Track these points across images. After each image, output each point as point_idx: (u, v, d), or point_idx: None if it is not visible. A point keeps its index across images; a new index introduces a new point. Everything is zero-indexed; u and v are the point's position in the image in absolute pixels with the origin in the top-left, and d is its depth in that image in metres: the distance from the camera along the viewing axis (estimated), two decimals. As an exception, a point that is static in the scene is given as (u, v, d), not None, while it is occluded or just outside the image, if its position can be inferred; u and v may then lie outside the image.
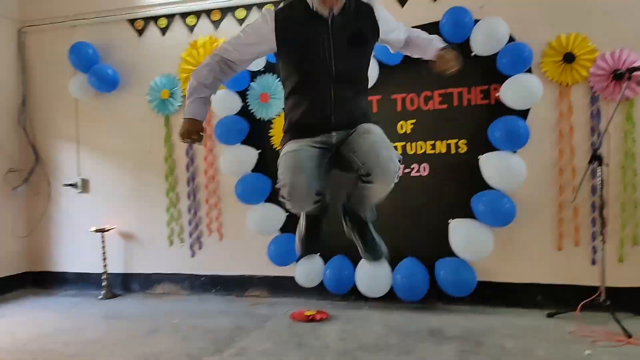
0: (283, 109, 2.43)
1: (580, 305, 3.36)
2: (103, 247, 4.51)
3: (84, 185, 4.76)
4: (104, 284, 4.51)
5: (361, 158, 2.10)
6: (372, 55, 2.38)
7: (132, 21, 4.59)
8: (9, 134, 4.76)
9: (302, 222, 2.47)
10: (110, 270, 4.57)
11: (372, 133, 2.17)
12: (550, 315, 3.50)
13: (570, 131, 3.64)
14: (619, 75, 3.43)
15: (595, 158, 3.31)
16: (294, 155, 2.13)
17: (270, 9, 2.20)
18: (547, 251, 3.71)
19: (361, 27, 2.20)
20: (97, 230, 4.51)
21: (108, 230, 4.56)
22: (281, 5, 2.22)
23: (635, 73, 3.30)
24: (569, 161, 3.65)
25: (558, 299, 3.60)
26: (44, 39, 4.87)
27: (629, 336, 3.00)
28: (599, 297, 3.33)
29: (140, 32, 4.59)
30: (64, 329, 3.69)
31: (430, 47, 2.39)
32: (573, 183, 3.60)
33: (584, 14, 3.60)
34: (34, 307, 4.32)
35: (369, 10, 2.23)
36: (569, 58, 3.61)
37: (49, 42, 4.83)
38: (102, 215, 4.66)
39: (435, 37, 2.45)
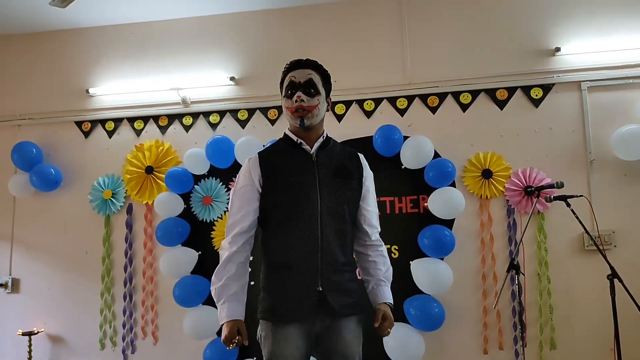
0: None
1: (506, 410, 3.51)
2: (29, 352, 4.30)
3: (15, 285, 4.60)
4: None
5: None
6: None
7: (79, 123, 4.71)
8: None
9: None
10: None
11: (351, 356, 2.06)
12: (479, 421, 3.62)
13: (491, 240, 3.97)
14: (530, 192, 3.84)
15: (513, 266, 3.60)
16: None
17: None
18: (475, 355, 3.89)
19: (345, 163, 2.19)
20: (24, 334, 4.31)
21: (36, 333, 4.37)
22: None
23: (545, 190, 3.71)
24: (490, 268, 3.94)
25: (487, 403, 3.74)
26: (-14, 137, 4.88)
27: None
28: (523, 402, 3.50)
29: (86, 133, 4.70)
30: None
31: (376, 286, 2.22)
32: (495, 288, 3.87)
33: (498, 136, 4.06)
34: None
35: (356, 157, 2.26)
36: (487, 174, 4.01)
37: (-8, 141, 4.85)
38: (30, 318, 4.49)
39: (385, 278, 2.25)
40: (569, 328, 3.79)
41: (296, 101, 2.08)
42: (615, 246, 3.78)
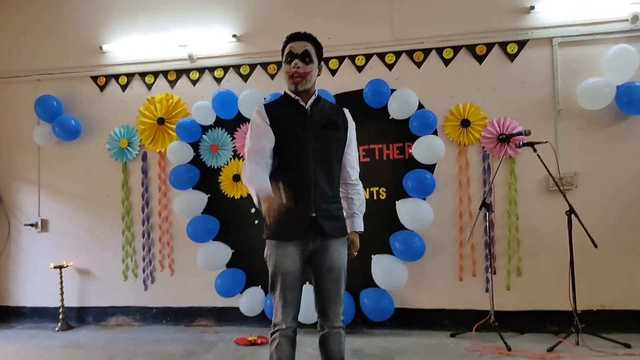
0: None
1: (475, 327, 4.11)
2: (61, 283, 4.90)
3: (44, 225, 5.16)
4: (60, 316, 4.88)
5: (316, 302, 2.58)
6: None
7: (94, 77, 5.13)
8: (-28, 179, 5.12)
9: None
10: (67, 304, 4.95)
11: (336, 270, 2.53)
12: (452, 336, 4.22)
13: (467, 183, 4.46)
14: (502, 139, 4.29)
15: (485, 205, 4.11)
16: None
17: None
18: (451, 281, 4.46)
19: (333, 117, 2.58)
20: (56, 267, 4.90)
21: (66, 266, 4.95)
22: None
23: (514, 138, 4.17)
24: (467, 207, 4.45)
25: (460, 321, 4.33)
26: (9, 90, 5.30)
27: (509, 349, 3.75)
28: (489, 319, 4.09)
29: (101, 87, 5.12)
30: (27, 358, 4.05)
31: (351, 217, 2.65)
32: (470, 225, 4.38)
33: (476, 88, 4.47)
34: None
35: (342, 111, 2.65)
36: (465, 123, 4.45)
37: (15, 93, 5.27)
38: (60, 253, 5.06)
39: (359, 211, 2.69)
40: (534, 258, 4.34)
41: (293, 67, 2.48)
42: (576, 186, 4.27)
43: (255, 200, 2.31)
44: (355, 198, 2.70)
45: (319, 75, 2.61)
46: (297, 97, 2.56)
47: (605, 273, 4.21)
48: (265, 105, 2.61)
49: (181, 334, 4.65)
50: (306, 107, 2.55)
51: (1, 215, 5.22)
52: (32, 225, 5.15)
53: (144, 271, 4.98)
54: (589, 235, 3.70)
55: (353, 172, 2.70)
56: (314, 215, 2.47)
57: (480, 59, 4.48)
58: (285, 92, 2.63)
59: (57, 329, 4.85)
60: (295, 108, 2.56)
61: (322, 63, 2.65)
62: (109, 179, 5.06)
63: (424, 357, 3.74)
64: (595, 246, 3.68)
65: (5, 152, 5.29)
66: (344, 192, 2.70)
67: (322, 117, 2.57)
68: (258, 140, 2.48)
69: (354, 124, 2.72)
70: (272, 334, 2.54)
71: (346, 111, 2.69)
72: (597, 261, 4.14)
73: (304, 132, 2.51)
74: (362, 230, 2.70)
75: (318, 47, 2.60)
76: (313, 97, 2.59)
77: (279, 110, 2.55)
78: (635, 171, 4.21)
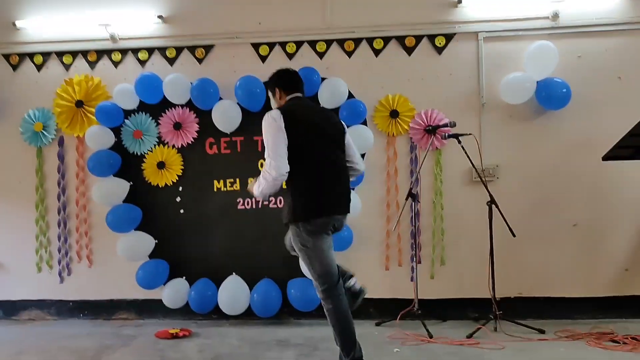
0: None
1: (399, 315, 4.16)
2: (-34, 276, 4.54)
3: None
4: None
5: None
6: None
7: (6, 56, 4.77)
8: None
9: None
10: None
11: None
12: (377, 324, 4.26)
13: (395, 173, 4.50)
14: (429, 130, 4.35)
15: (411, 195, 4.16)
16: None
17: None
18: (378, 271, 4.49)
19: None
20: (-40, 259, 4.54)
21: (-28, 258, 4.60)
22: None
23: (440, 129, 4.23)
24: (394, 197, 4.49)
25: (385, 310, 4.37)
26: None
27: (430, 336, 3.82)
28: (413, 308, 4.15)
29: (14, 67, 4.77)
30: None
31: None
32: (397, 215, 4.42)
33: (405, 79, 4.51)
34: None
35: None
36: (394, 114, 4.48)
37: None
38: (-35, 243, 4.70)
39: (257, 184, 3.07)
40: (457, 247, 4.44)
41: None
42: (498, 178, 4.40)
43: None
44: None
45: (280, 97, 3.22)
46: None
47: (523, 261, 4.37)
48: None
49: (99, 327, 4.43)
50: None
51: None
52: None
53: (59, 262, 4.70)
54: (508, 225, 3.82)
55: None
56: None
57: (409, 50, 4.52)
58: None
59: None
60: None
61: (273, 87, 3.27)
62: (22, 165, 4.74)
63: (348, 346, 3.73)
64: (514, 235, 3.81)
65: None
66: None
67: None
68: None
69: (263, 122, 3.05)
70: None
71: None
72: (515, 250, 4.28)
73: None
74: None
75: (267, 83, 3.35)
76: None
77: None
78: (551, 164, 4.39)
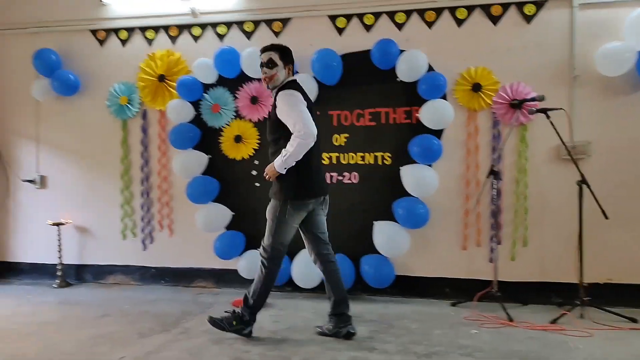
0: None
1: (477, 296, 4.02)
2: (59, 240, 4.85)
3: (42, 182, 5.08)
4: (58, 273, 4.85)
5: None
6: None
7: (94, 31, 4.97)
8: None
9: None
10: (65, 261, 4.91)
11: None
12: (453, 305, 4.14)
13: (476, 149, 4.30)
14: (515, 105, 4.11)
15: (492, 172, 3.97)
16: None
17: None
18: (454, 250, 4.35)
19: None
20: (54, 224, 4.85)
21: (64, 224, 4.90)
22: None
23: (527, 103, 3.99)
24: (474, 175, 4.31)
25: (461, 290, 4.24)
26: (5, 42, 5.16)
27: (510, 320, 3.66)
28: (492, 289, 4.00)
29: (101, 42, 4.97)
30: (21, 313, 4.03)
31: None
32: (477, 193, 4.25)
33: (489, 51, 4.27)
34: (-8, 294, 4.64)
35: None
36: (477, 88, 4.27)
37: (11, 47, 5.14)
38: (58, 210, 5.00)
39: (281, 157, 3.17)
40: (540, 228, 4.21)
41: (262, 73, 3.31)
42: (589, 156, 4.10)
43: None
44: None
45: (289, 73, 3.33)
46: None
47: (614, 245, 4.07)
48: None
49: (179, 294, 4.61)
50: (273, 98, 3.31)
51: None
52: (30, 181, 5.08)
53: (142, 231, 4.91)
54: (601, 207, 3.57)
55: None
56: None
57: (495, 19, 4.26)
58: None
59: (55, 285, 4.83)
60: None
61: (288, 61, 3.32)
62: (108, 136, 4.96)
63: (424, 324, 3.66)
64: (606, 217, 3.56)
65: (1, 106, 5.18)
66: None
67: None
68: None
69: (280, 101, 3.19)
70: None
71: (279, 94, 3.23)
72: (605, 233, 4.00)
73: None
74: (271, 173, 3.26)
75: (283, 52, 3.31)
76: (275, 92, 3.27)
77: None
78: (650, 142, 4.04)
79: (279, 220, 3.25)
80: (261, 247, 3.35)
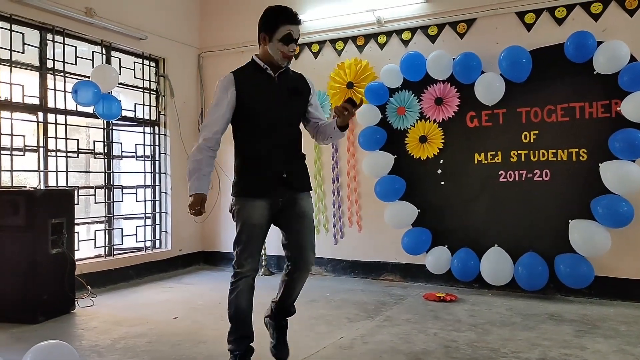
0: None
1: (695, 301, 3.72)
2: (263, 233, 5.49)
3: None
4: (263, 263, 5.49)
5: (291, 247, 2.76)
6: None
7: (289, 47, 5.53)
8: (191, 139, 5.91)
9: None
10: (268, 253, 5.55)
11: (307, 217, 2.76)
12: (665, 309, 3.88)
13: (689, 142, 3.97)
14: None
15: None
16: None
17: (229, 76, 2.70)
18: (664, 251, 4.06)
19: (297, 85, 2.83)
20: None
21: (266, 219, 5.53)
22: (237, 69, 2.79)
23: None
24: (687, 170, 3.97)
25: (673, 295, 3.95)
26: (217, 62, 5.99)
27: None
28: None
29: (296, 56, 5.47)
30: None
31: (330, 122, 2.81)
32: (691, 190, 3.92)
33: None
34: (210, 279, 5.42)
35: (304, 79, 2.89)
36: (690, 76, 3.94)
37: (222, 64, 5.93)
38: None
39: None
40: None
41: (291, 51, 2.70)
42: None
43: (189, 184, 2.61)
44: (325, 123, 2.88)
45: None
46: (265, 66, 2.72)
47: None
48: (233, 73, 2.73)
49: (369, 286, 4.94)
50: (274, 76, 2.74)
51: (213, 173, 5.94)
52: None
53: (334, 226, 5.36)
54: None
55: (323, 118, 2.94)
56: (285, 175, 2.71)
57: None
58: (253, 59, 2.78)
59: (260, 274, 5.48)
60: (264, 76, 2.73)
61: None
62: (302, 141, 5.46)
63: (633, 327, 3.50)
64: None
65: (214, 117, 6.00)
66: (319, 127, 2.87)
67: (288, 85, 2.78)
68: (215, 115, 2.67)
69: (315, 87, 2.94)
70: (233, 282, 2.76)
71: (307, 78, 2.92)
72: None
73: (274, 99, 2.71)
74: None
75: None
76: (282, 69, 2.76)
77: (248, 78, 2.71)
78: None
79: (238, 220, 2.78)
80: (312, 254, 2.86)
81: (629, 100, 4.01)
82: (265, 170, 2.68)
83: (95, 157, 5.25)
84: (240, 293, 2.74)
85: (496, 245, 4.53)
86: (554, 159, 4.41)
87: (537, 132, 4.47)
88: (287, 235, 2.80)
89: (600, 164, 4.14)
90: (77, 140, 4.96)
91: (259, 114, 2.69)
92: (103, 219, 5.18)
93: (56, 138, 4.73)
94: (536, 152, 4.47)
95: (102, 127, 5.23)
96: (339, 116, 2.64)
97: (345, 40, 5.28)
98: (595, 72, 4.18)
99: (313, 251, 2.80)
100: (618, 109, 4.11)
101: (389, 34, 5.07)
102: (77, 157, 5.03)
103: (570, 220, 4.25)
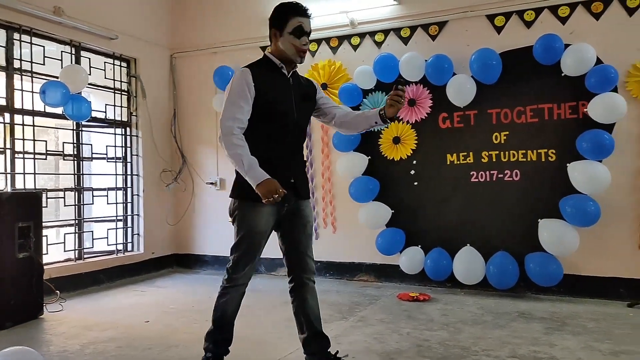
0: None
1: (659, 297, 3.83)
2: (237, 235, 5.45)
3: (222, 184, 5.75)
4: (237, 265, 5.45)
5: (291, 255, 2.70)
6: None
7: (263, 48, 5.47)
8: (163, 141, 5.86)
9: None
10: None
11: (309, 226, 2.70)
12: (630, 305, 3.98)
13: (653, 143, 4.09)
14: (699, 94, 3.84)
15: (675, 167, 3.76)
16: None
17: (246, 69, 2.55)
18: (629, 249, 4.17)
19: (308, 90, 2.73)
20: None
21: (241, 221, 5.49)
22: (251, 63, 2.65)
23: None
24: (650, 170, 4.10)
25: (637, 291, 4.06)
26: (190, 63, 5.93)
27: (702, 323, 3.45)
28: (676, 291, 3.78)
29: (270, 56, 5.49)
30: (211, 298, 4.61)
31: (370, 113, 2.68)
32: (655, 189, 4.04)
33: (667, 39, 4.04)
34: (183, 282, 5.36)
35: (311, 82, 2.83)
36: (652, 78, 4.05)
37: (194, 65, 5.89)
38: (235, 209, 5.62)
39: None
40: None
41: (304, 44, 2.58)
42: None
43: (243, 172, 2.42)
44: (353, 113, 2.80)
45: None
46: (281, 65, 2.60)
47: None
48: (250, 69, 2.57)
49: (344, 286, 4.95)
50: (288, 76, 2.62)
51: (186, 175, 5.92)
52: (212, 183, 5.78)
53: (309, 227, 5.35)
54: None
55: (339, 106, 2.86)
56: (293, 181, 2.61)
57: (673, 5, 4.03)
58: (267, 56, 2.64)
59: (234, 275, 5.43)
60: (278, 75, 2.61)
61: None
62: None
63: (601, 324, 3.58)
64: None
65: (188, 118, 5.96)
66: (345, 117, 2.76)
67: (300, 88, 2.68)
68: (241, 104, 2.47)
69: (319, 87, 2.87)
70: (226, 288, 2.67)
71: (312, 80, 2.88)
72: None
73: (289, 101, 2.59)
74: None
75: None
76: (294, 68, 2.66)
77: (265, 77, 2.56)
78: None
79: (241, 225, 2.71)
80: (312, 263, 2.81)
81: (596, 102, 4.10)
82: (275, 174, 2.45)
83: (64, 159, 5.15)
84: (230, 300, 2.68)
85: (468, 244, 4.59)
86: (524, 160, 4.48)
87: (507, 133, 4.55)
88: (289, 243, 2.72)
89: (568, 164, 4.23)
90: (46, 141, 4.85)
91: (276, 115, 2.56)
92: (73, 222, 5.08)
93: (23, 140, 4.62)
94: (506, 152, 4.54)
95: (72, 128, 5.12)
96: (393, 105, 2.53)
97: (319, 41, 5.29)
98: (563, 74, 4.27)
99: (313, 260, 2.76)
100: (585, 110, 4.21)
101: (362, 35, 5.10)
102: (46, 159, 4.92)
103: (539, 220, 4.33)
